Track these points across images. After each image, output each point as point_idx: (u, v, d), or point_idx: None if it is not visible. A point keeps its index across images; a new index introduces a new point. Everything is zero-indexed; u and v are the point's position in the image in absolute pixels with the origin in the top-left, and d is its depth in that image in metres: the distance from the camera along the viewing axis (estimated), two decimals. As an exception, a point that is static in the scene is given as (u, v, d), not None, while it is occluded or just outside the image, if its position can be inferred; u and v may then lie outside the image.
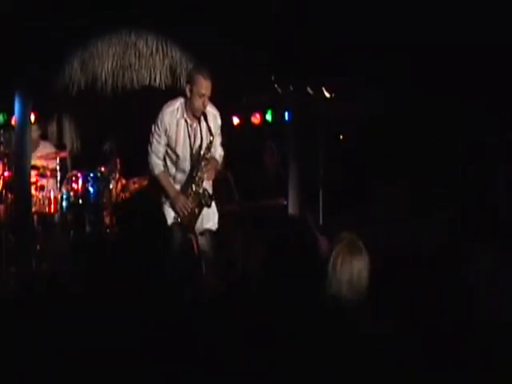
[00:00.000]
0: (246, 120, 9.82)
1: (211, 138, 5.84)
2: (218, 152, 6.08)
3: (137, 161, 7.21)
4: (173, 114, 5.90)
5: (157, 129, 5.92)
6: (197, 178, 5.91)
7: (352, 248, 3.71)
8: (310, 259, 3.93)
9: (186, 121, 5.89)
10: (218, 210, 6.26)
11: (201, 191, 5.94)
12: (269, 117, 9.65)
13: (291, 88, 8.66)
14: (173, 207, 5.92)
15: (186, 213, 5.90)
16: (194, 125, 5.89)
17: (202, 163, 5.86)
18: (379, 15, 7.71)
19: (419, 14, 7.50)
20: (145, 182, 8.74)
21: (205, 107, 5.80)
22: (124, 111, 9.20)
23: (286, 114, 8.93)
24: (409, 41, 7.60)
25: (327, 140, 8.53)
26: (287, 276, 3.78)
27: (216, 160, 6.03)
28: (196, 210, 5.96)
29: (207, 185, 6.05)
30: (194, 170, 5.91)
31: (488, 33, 7.18)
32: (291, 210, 8.22)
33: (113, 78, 8.81)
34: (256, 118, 9.77)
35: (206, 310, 3.82)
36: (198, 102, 5.78)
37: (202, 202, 5.94)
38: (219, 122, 6.02)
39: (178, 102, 5.93)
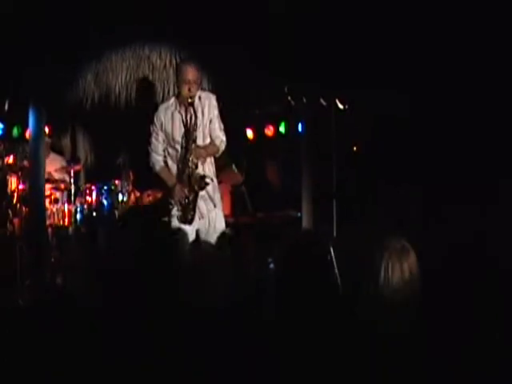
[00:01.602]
0: (259, 132, 9.83)
1: (196, 119, 5.88)
2: (219, 137, 6.00)
3: (150, 173, 7.22)
4: (167, 109, 6.00)
5: (154, 127, 6.04)
6: (190, 163, 5.92)
7: (401, 254, 3.65)
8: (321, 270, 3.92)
9: (179, 112, 5.94)
10: (232, 222, 6.27)
11: (195, 175, 5.93)
12: (282, 129, 9.67)
13: (304, 100, 8.66)
14: (174, 199, 5.96)
15: (184, 202, 5.91)
16: (189, 115, 5.90)
17: (192, 146, 5.88)
18: (393, 27, 7.70)
19: (434, 26, 7.49)
20: (159, 195, 8.76)
21: (191, 93, 5.84)
22: (137, 124, 9.22)
23: (300, 125, 8.93)
24: (422, 51, 7.59)
25: (341, 151, 8.52)
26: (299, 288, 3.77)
27: (215, 146, 6.01)
28: (190, 197, 5.95)
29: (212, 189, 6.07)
30: (187, 154, 5.92)
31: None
32: (305, 222, 8.21)
33: (126, 91, 8.84)
34: (269, 130, 9.79)
35: (215, 321, 3.81)
36: (184, 90, 5.84)
37: (194, 187, 5.93)
38: (214, 103, 6.00)
39: (172, 99, 6.09)
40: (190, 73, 5.87)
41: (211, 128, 5.99)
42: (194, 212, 5.97)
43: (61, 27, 7.84)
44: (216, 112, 6.00)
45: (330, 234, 7.83)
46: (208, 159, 6.05)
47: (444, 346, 3.28)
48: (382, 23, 7.71)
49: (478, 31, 7.25)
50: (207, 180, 5.90)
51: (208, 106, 5.97)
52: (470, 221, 7.17)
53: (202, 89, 6.14)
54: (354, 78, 8.06)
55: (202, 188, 5.92)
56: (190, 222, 5.97)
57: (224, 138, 6.03)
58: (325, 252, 4.21)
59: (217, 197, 6.12)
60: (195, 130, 5.88)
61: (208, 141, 6.01)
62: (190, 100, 5.83)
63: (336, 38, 7.94)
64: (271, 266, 8.27)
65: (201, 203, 6.02)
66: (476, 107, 7.49)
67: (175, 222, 6.03)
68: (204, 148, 5.97)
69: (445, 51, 7.46)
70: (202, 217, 6.04)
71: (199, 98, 5.96)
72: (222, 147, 6.04)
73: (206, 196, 6.04)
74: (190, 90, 5.83)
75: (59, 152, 9.07)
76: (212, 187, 6.05)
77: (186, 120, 5.89)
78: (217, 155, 6.13)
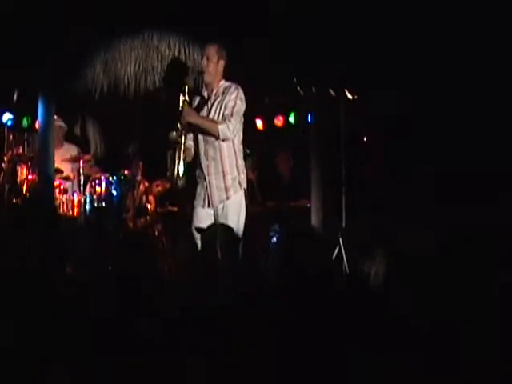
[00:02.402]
0: (269, 122, 9.83)
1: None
2: (223, 125, 5.98)
3: (159, 163, 7.22)
4: None
5: None
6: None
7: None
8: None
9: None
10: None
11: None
12: (292, 119, 9.66)
13: (313, 90, 8.64)
14: None
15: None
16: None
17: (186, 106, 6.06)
18: (401, 18, 7.68)
19: (443, 18, 7.47)
20: (168, 185, 8.78)
21: (204, 81, 6.21)
22: (146, 114, 9.22)
23: (309, 116, 8.91)
24: (431, 42, 7.57)
25: (350, 142, 8.51)
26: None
27: (215, 126, 5.99)
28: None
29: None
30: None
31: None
32: (314, 212, 8.21)
33: (135, 81, 8.84)
34: (279, 121, 9.79)
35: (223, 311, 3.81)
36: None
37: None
38: (234, 95, 6.05)
39: None
40: (206, 48, 6.16)
41: (221, 113, 6.01)
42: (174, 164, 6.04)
43: (69, 17, 7.84)
44: (231, 104, 6.00)
45: (339, 225, 7.82)
46: (228, 152, 6.04)
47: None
48: (391, 13, 7.70)
49: (481, 32, 7.24)
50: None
51: (226, 96, 6.02)
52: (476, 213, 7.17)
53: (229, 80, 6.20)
54: (363, 68, 8.05)
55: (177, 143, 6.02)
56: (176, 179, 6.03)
57: (228, 134, 5.97)
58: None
59: (234, 188, 6.08)
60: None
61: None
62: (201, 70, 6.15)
63: (345, 28, 7.92)
64: (274, 239, 8.32)
65: (213, 190, 6.02)
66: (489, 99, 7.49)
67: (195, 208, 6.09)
68: (200, 116, 6.04)
69: (456, 41, 7.45)
70: (211, 205, 6.04)
71: (224, 87, 6.08)
72: (220, 136, 5.97)
73: (222, 186, 6.02)
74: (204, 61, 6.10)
75: (72, 141, 9.06)
76: (229, 178, 6.03)
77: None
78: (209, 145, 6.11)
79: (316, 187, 8.28)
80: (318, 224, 8.02)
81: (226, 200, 6.00)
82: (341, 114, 8.38)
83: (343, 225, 7.82)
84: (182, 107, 6.01)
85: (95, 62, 8.63)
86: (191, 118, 5.97)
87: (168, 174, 6.15)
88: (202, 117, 6.04)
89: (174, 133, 6.04)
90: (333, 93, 8.54)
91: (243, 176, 6.11)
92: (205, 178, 6.05)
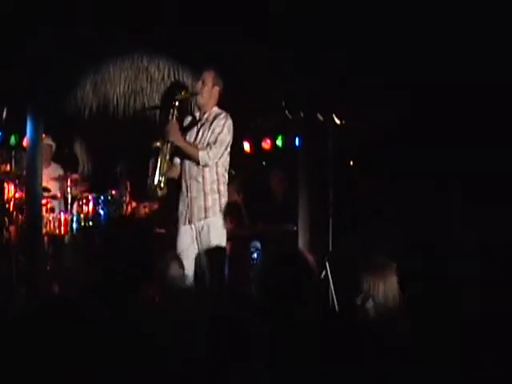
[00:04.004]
0: (256, 145, 9.87)
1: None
2: (205, 152, 6.06)
3: (147, 184, 7.23)
4: None
5: None
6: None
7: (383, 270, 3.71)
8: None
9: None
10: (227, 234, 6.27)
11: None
12: (279, 142, 9.71)
13: (301, 114, 8.69)
14: None
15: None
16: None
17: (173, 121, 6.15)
18: (388, 43, 7.74)
19: (431, 42, 7.53)
20: (155, 206, 8.78)
21: (197, 103, 6.33)
22: (135, 135, 9.24)
23: (297, 139, 8.96)
24: (419, 66, 7.63)
25: (337, 166, 8.54)
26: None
27: (196, 151, 6.06)
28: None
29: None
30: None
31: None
32: (301, 236, 8.22)
33: (124, 102, 8.86)
34: (266, 144, 9.83)
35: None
36: None
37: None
38: (221, 123, 6.14)
39: None
40: (203, 73, 6.30)
41: (207, 138, 6.05)
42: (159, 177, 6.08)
43: (59, 37, 7.85)
44: (218, 130, 6.05)
45: (325, 248, 7.83)
46: (212, 172, 6.07)
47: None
48: (378, 37, 7.75)
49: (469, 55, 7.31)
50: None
51: (215, 122, 6.06)
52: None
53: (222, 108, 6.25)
54: (351, 93, 8.11)
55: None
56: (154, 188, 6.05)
57: (207, 161, 6.01)
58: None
59: (213, 210, 6.10)
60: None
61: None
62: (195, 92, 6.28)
63: (334, 51, 7.98)
64: (254, 255, 8.33)
65: (193, 207, 6.06)
66: (474, 129, 7.53)
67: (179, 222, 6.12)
68: (182, 139, 6.05)
69: (445, 64, 7.50)
70: (191, 222, 6.07)
71: (216, 114, 6.15)
72: (201, 161, 6.03)
73: (202, 205, 6.05)
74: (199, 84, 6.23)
75: (58, 161, 9.06)
76: (209, 199, 6.06)
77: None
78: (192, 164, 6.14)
79: (303, 210, 8.30)
80: (305, 247, 8.03)
81: (204, 219, 6.03)
82: (328, 138, 8.42)
83: (330, 248, 7.83)
84: (170, 119, 6.07)
85: (85, 82, 8.65)
86: (174, 137, 6.02)
87: (148, 181, 6.17)
88: (185, 140, 6.10)
89: (158, 142, 6.08)
90: (321, 117, 8.59)
91: (224, 201, 6.14)
92: (187, 196, 6.09)
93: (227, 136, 6.08)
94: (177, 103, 6.10)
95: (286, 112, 8.74)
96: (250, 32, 8.01)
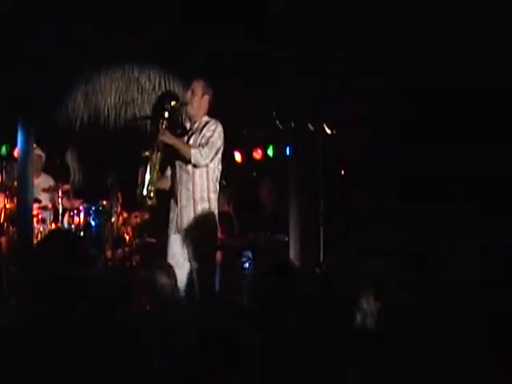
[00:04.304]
0: (247, 155, 9.89)
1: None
2: (196, 150, 6.03)
3: (136, 194, 7.23)
4: None
5: None
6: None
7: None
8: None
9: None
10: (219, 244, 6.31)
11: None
12: (270, 152, 9.73)
13: (292, 124, 8.71)
14: None
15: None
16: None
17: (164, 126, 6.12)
18: (378, 55, 7.78)
19: (421, 53, 7.57)
20: (146, 216, 8.78)
21: (187, 113, 6.28)
22: (126, 145, 9.24)
23: (288, 149, 8.98)
24: (409, 76, 7.67)
25: (328, 176, 8.57)
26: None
27: (188, 150, 6.04)
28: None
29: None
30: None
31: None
32: (292, 246, 8.23)
33: (115, 113, 8.88)
34: (257, 154, 9.84)
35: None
36: None
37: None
38: (212, 127, 6.12)
39: None
40: (192, 83, 6.25)
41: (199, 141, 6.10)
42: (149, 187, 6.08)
43: (51, 47, 7.87)
44: (208, 134, 6.07)
45: (317, 258, 7.85)
46: (203, 179, 6.10)
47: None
48: (367, 50, 7.79)
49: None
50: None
51: (205, 128, 6.10)
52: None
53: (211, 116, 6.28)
54: (341, 102, 8.15)
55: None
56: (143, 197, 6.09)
57: (199, 159, 5.99)
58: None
59: (203, 217, 6.12)
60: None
61: None
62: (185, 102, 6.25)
63: (324, 62, 8.01)
64: (246, 264, 8.33)
65: (182, 215, 6.08)
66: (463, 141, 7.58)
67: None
68: (174, 137, 6.09)
69: (434, 75, 7.54)
70: (178, 231, 6.10)
71: (206, 121, 6.16)
72: (192, 159, 6.01)
73: (191, 214, 6.07)
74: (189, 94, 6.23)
75: (48, 172, 9.05)
76: (199, 207, 6.08)
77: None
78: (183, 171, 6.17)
79: (294, 220, 8.32)
80: (296, 257, 8.04)
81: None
82: (319, 148, 8.45)
83: (321, 257, 7.85)
84: (159, 128, 6.08)
85: (76, 93, 8.67)
86: (165, 137, 6.03)
87: (138, 191, 6.16)
88: (177, 138, 6.10)
89: (147, 152, 6.08)
90: (311, 127, 8.62)
91: (214, 210, 6.16)
92: (177, 205, 6.11)
93: (218, 140, 6.09)
94: (166, 113, 6.10)
95: (277, 122, 8.77)
96: (243, 36, 8.04)
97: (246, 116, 8.81)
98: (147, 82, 8.98)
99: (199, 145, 6.01)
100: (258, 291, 3.70)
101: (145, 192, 6.04)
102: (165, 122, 6.07)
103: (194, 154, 5.98)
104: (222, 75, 8.01)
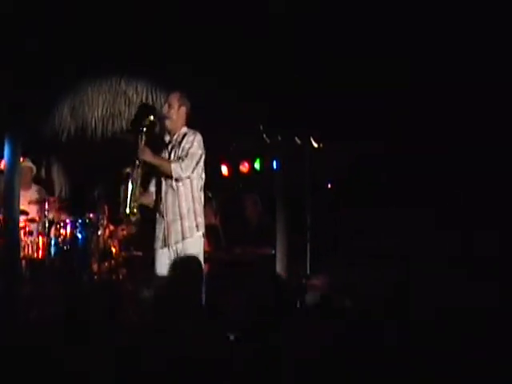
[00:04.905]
0: (234, 168, 9.89)
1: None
2: (177, 164, 6.06)
3: (119, 211, 7.23)
4: None
5: None
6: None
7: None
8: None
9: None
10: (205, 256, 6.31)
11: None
12: (257, 165, 9.73)
13: (279, 138, 8.73)
14: None
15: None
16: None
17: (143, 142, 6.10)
18: (364, 68, 7.81)
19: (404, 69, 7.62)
20: (132, 229, 8.77)
21: (166, 127, 6.29)
22: (113, 158, 9.23)
23: (274, 162, 9.00)
24: (395, 91, 7.70)
25: (315, 189, 8.59)
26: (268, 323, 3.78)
27: (169, 165, 6.07)
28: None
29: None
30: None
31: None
32: (279, 259, 8.23)
33: (102, 125, 8.86)
34: (244, 167, 9.84)
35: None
36: None
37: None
38: (190, 139, 6.14)
39: None
40: (168, 96, 6.34)
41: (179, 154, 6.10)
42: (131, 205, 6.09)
43: (38, 60, 7.86)
44: (188, 146, 6.09)
45: (304, 271, 7.86)
46: (186, 193, 6.10)
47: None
48: (353, 63, 7.83)
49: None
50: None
51: (184, 140, 6.11)
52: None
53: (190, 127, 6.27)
54: (328, 117, 8.17)
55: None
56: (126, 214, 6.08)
57: (180, 173, 6.01)
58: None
59: (190, 231, 6.12)
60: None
61: None
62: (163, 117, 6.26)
63: (311, 76, 8.04)
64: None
65: (170, 231, 6.08)
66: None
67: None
68: (153, 155, 6.09)
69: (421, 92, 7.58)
70: (168, 245, 6.09)
71: (184, 133, 6.18)
72: (173, 174, 6.03)
73: (179, 229, 6.07)
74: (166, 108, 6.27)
75: (38, 183, 9.04)
76: (185, 223, 6.09)
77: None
78: (164, 176, 6.16)
79: (281, 233, 8.33)
80: (283, 271, 8.05)
81: (182, 240, 6.06)
82: (306, 161, 8.47)
83: (308, 271, 7.86)
84: (139, 144, 6.09)
85: (63, 105, 8.65)
86: (145, 156, 6.04)
87: (121, 208, 6.18)
88: (156, 155, 6.12)
89: (128, 168, 6.10)
90: (298, 141, 8.64)
91: (200, 220, 6.16)
92: (163, 219, 6.11)
93: (197, 150, 6.11)
94: (144, 129, 6.13)
95: (264, 135, 8.79)
96: (226, 56, 8.07)
97: (233, 129, 8.82)
98: (135, 95, 8.96)
99: (179, 158, 6.04)
100: (247, 305, 3.72)
101: (127, 209, 6.07)
102: (144, 137, 6.09)
103: (175, 169, 6.01)
104: (209, 88, 8.04)
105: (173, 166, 6.00)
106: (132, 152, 6.14)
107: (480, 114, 7.31)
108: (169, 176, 6.04)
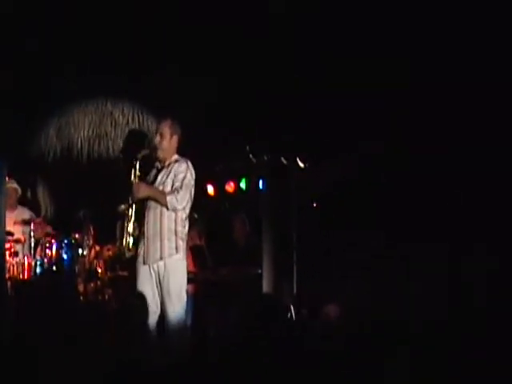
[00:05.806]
0: (220, 188, 9.89)
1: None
2: (172, 196, 6.06)
3: (111, 228, 7.24)
4: None
5: None
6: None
7: None
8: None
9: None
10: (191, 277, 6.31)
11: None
12: (243, 185, 9.73)
13: (265, 158, 8.76)
14: None
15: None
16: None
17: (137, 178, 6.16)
18: (348, 89, 7.84)
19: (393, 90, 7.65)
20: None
21: (157, 156, 6.26)
22: (99, 178, 9.23)
23: (260, 182, 9.01)
24: (383, 111, 7.73)
25: (301, 209, 8.60)
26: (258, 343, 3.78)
27: (164, 197, 6.06)
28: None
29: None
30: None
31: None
32: (265, 278, 8.23)
33: (88, 146, 8.87)
34: (230, 186, 9.84)
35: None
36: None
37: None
38: (182, 169, 6.14)
39: None
40: (159, 124, 6.31)
41: (171, 185, 6.10)
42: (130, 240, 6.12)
43: (24, 81, 7.87)
44: (181, 176, 6.10)
45: (290, 291, 7.86)
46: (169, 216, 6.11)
47: None
48: (339, 84, 7.86)
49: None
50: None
51: (176, 168, 6.12)
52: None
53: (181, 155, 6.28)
54: (314, 137, 8.19)
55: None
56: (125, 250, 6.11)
57: (176, 205, 6.02)
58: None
59: (169, 251, 6.11)
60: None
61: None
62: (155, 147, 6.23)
63: (298, 98, 8.07)
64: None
65: (149, 248, 6.09)
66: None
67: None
68: (149, 188, 6.10)
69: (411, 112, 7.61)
70: (144, 263, 6.10)
71: (175, 160, 6.19)
72: (169, 206, 6.06)
73: (158, 246, 6.08)
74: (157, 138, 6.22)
75: (24, 204, 9.01)
76: (165, 242, 6.09)
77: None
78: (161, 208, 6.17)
79: (268, 253, 8.33)
80: (270, 290, 8.05)
81: (159, 260, 6.05)
82: (292, 181, 8.49)
83: (294, 291, 7.86)
84: (133, 182, 6.11)
85: (49, 126, 8.66)
86: (140, 193, 6.08)
87: (117, 244, 6.23)
88: (152, 188, 6.13)
89: (123, 205, 6.14)
90: (284, 161, 8.67)
91: (181, 243, 6.14)
92: (144, 236, 6.13)
93: (191, 180, 6.14)
94: (138, 164, 6.15)
95: (250, 155, 8.81)
96: (211, 76, 8.09)
97: (219, 149, 8.84)
98: (121, 116, 8.99)
99: (175, 189, 6.05)
100: (234, 325, 3.73)
101: (124, 244, 6.12)
102: (137, 172, 6.11)
103: (170, 201, 6.04)
104: (196, 109, 8.07)
105: (168, 198, 6.03)
106: (126, 190, 6.13)
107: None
108: (164, 206, 6.08)
